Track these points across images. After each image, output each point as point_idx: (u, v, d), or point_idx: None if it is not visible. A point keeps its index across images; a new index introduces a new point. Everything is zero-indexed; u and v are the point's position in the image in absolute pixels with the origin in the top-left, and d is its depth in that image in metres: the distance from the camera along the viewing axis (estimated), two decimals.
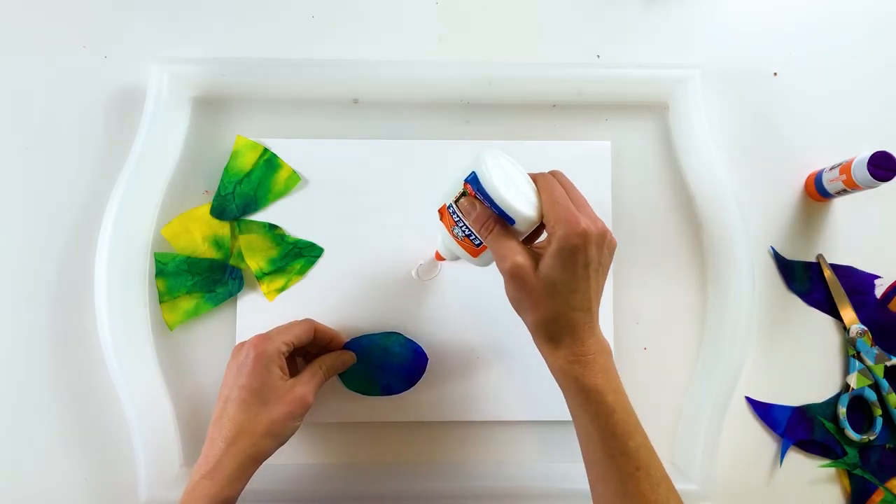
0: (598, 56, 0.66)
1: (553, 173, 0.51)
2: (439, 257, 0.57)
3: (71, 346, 0.61)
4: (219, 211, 0.62)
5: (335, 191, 0.63)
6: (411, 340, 0.62)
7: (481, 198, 0.48)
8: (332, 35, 0.66)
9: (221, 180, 0.62)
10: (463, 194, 0.49)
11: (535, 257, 0.48)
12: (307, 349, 0.59)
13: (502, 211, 0.47)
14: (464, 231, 0.50)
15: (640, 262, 0.64)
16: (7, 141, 0.63)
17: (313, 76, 0.63)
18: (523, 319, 0.49)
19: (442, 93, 0.64)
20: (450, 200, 0.50)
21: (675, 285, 0.64)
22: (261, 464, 0.52)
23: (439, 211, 0.51)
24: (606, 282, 0.51)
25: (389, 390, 0.61)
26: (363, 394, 0.61)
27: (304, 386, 0.54)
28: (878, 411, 0.62)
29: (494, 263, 0.50)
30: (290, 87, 0.63)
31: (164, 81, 0.61)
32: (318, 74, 0.63)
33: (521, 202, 0.47)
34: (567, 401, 0.49)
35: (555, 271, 0.47)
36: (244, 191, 0.62)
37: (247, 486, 0.51)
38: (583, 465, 0.49)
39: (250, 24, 0.66)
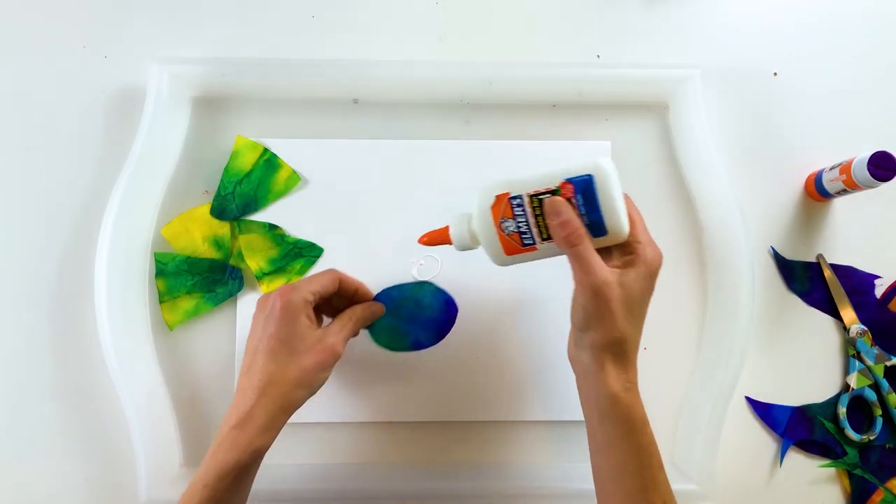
0: (598, 56, 0.66)
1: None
2: (433, 241, 0.53)
3: (71, 346, 0.61)
4: (219, 211, 0.62)
5: (335, 191, 0.63)
6: (442, 290, 0.61)
7: (580, 202, 0.47)
8: (332, 35, 0.66)
9: (221, 180, 0.62)
10: (553, 192, 0.47)
11: (620, 277, 0.47)
12: (334, 302, 0.57)
13: (597, 221, 0.47)
14: (518, 227, 0.49)
15: None
16: (7, 141, 0.63)
17: (313, 76, 0.63)
18: (588, 337, 0.48)
19: (442, 93, 0.64)
20: (522, 192, 0.48)
21: (675, 285, 0.64)
22: (291, 415, 0.51)
23: (497, 197, 0.49)
24: None
25: (419, 345, 0.61)
26: (392, 350, 0.61)
27: (334, 336, 0.52)
28: (878, 411, 0.62)
29: (496, 263, 0.50)
30: (290, 87, 0.63)
31: (164, 81, 0.61)
32: (318, 74, 0.63)
33: (624, 217, 0.47)
34: (605, 428, 0.48)
35: (637, 294, 0.48)
36: (244, 191, 0.62)
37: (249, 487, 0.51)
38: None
39: (250, 24, 0.66)
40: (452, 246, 0.52)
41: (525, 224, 0.48)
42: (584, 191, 0.46)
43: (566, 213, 0.47)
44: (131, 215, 0.60)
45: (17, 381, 0.61)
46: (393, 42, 0.66)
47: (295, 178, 0.63)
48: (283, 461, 0.61)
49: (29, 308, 0.62)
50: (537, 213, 0.48)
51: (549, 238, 0.48)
